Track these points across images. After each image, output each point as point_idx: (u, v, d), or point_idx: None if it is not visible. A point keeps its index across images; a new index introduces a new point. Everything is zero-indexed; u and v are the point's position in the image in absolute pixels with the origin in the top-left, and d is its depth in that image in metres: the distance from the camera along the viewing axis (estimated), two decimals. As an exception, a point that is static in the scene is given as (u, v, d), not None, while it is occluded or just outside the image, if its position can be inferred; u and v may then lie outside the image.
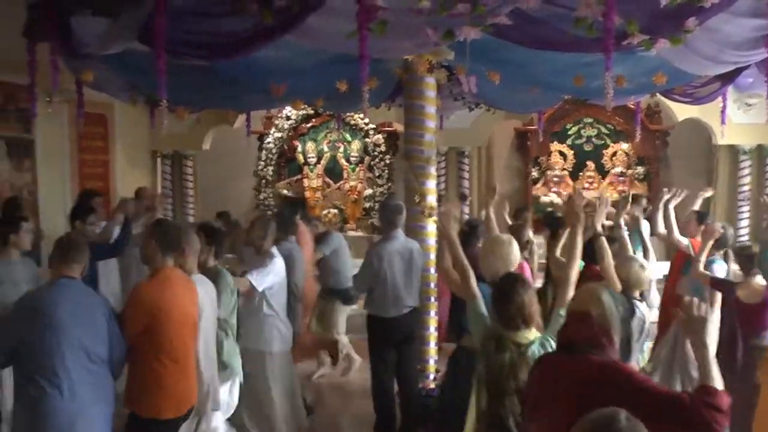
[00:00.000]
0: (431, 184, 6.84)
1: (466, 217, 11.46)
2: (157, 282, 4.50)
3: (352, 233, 11.87)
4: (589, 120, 11.91)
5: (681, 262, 6.99)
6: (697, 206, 7.63)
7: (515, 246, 4.75)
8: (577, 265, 4.19)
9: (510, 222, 7.66)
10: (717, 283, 5.91)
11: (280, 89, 6.24)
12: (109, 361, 4.29)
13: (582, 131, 12.02)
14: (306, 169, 12.50)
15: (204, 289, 4.94)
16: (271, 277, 5.86)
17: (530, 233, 6.90)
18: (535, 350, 3.70)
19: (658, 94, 8.26)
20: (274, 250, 6.09)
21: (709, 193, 8.17)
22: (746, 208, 10.71)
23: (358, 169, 12.41)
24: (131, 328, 4.39)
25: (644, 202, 9.25)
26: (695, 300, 2.94)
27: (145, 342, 4.40)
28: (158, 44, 4.19)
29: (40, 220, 8.36)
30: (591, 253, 4.90)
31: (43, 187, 8.88)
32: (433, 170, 6.88)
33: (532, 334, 3.78)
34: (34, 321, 4.06)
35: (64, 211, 9.16)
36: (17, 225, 5.81)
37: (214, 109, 10.07)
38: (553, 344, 3.73)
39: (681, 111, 10.16)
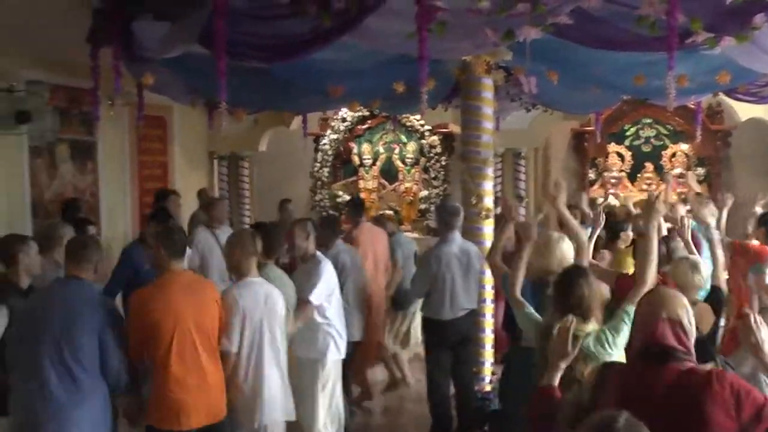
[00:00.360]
0: (488, 186, 6.81)
1: (521, 218, 11.38)
2: (153, 288, 4.43)
3: (407, 235, 11.85)
4: (648, 120, 11.68)
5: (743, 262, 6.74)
6: (758, 208, 7.43)
7: (567, 243, 4.72)
8: (654, 264, 4.07)
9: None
10: None
11: (338, 90, 6.27)
12: (102, 371, 4.20)
13: (640, 132, 11.80)
14: (361, 170, 12.53)
15: (264, 291, 4.83)
16: (321, 285, 5.64)
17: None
18: (590, 343, 3.70)
19: (720, 94, 8.08)
20: (320, 255, 5.92)
21: None
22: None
23: (413, 170, 12.38)
24: (131, 338, 4.31)
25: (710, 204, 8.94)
26: (752, 317, 2.83)
27: (147, 351, 4.32)
28: (218, 47, 4.24)
29: (101, 221, 8.53)
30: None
31: (104, 188, 9.06)
32: (490, 172, 6.86)
33: (590, 326, 3.78)
34: (24, 316, 4.21)
35: (125, 212, 9.37)
36: (83, 227, 6.13)
37: (271, 110, 10.14)
38: (611, 339, 3.75)
39: (744, 110, 9.91)
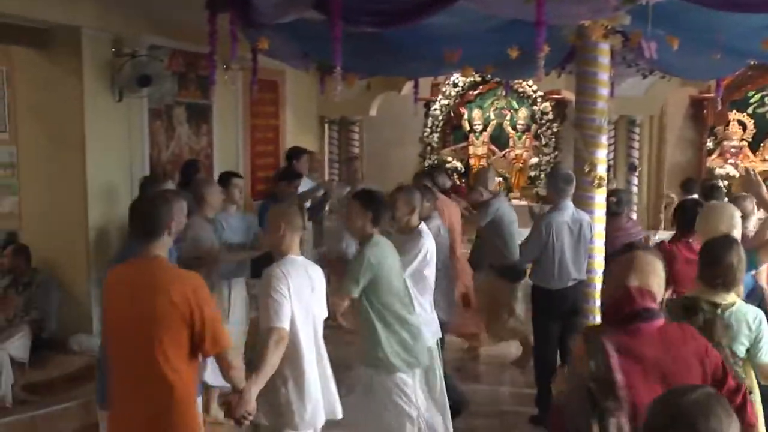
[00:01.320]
0: (601, 154, 6.67)
1: (634, 188, 11.13)
2: (114, 271, 3.86)
3: (516, 202, 11.79)
4: (775, 87, 11.18)
5: None
6: None
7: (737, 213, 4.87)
8: None
9: None
10: None
11: (455, 55, 6.22)
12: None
13: (766, 99, 11.30)
14: (472, 136, 12.47)
15: (307, 273, 4.29)
16: (417, 260, 5.26)
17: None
18: (729, 315, 3.73)
19: None
20: (423, 226, 5.50)
21: None
22: None
23: (524, 137, 12.26)
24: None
25: None
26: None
27: None
28: (334, 12, 4.29)
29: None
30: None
31: (218, 150, 9.33)
32: (604, 139, 6.70)
33: (731, 297, 3.80)
34: None
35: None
36: (229, 181, 6.73)
37: (384, 75, 10.20)
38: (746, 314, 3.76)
39: None
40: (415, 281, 5.26)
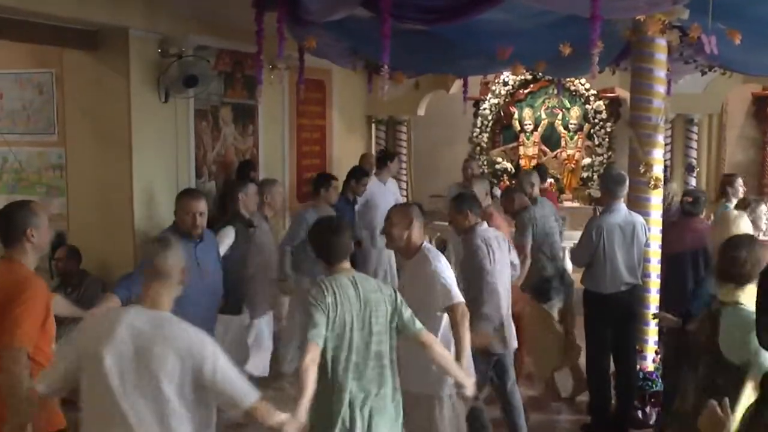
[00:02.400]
0: (658, 154, 6.58)
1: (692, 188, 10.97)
2: None
3: (568, 204, 11.71)
4: (844, 83, 10.92)
5: None
6: None
7: (745, 221, 4.84)
8: None
9: None
10: None
11: (506, 52, 6.20)
12: None
13: (833, 95, 11.06)
14: (522, 136, 12.41)
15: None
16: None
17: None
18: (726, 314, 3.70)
19: None
20: (428, 244, 4.92)
21: None
22: None
23: (576, 137, 12.15)
24: None
25: None
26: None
27: None
28: (384, 8, 4.30)
29: (259, 183, 8.86)
30: None
31: (263, 151, 9.40)
32: (660, 139, 6.62)
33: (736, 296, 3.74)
34: None
35: (283, 174, 9.72)
36: (329, 182, 7.31)
37: (432, 73, 10.20)
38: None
39: None
40: None
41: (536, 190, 7.46)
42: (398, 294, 4.05)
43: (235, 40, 8.12)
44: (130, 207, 7.38)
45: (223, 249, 5.85)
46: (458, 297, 4.44)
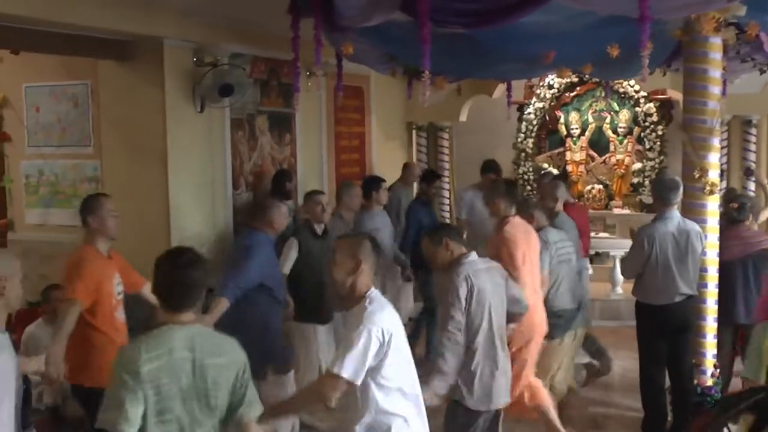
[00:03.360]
0: (713, 158, 6.47)
1: (751, 193, 10.78)
2: None
3: (618, 211, 11.58)
4: None
5: None
6: None
7: None
8: None
9: None
10: None
11: (550, 56, 6.15)
12: None
13: None
14: (569, 141, 12.28)
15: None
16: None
17: None
18: None
19: None
20: (374, 293, 4.19)
21: None
22: None
23: (626, 141, 12.00)
24: None
25: None
26: None
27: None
28: (423, 12, 4.28)
29: (297, 193, 8.90)
30: None
31: (301, 160, 9.43)
32: (715, 142, 6.50)
33: None
34: None
35: (321, 184, 9.73)
36: (378, 184, 7.95)
37: (474, 78, 10.17)
38: None
39: None
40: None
41: (560, 205, 7.21)
42: (247, 366, 3.37)
43: (270, 47, 8.17)
44: (166, 219, 7.46)
45: (289, 261, 6.55)
46: (336, 367, 3.61)
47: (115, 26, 6.84)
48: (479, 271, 4.77)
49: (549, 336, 6.18)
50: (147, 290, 5.07)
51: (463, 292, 4.65)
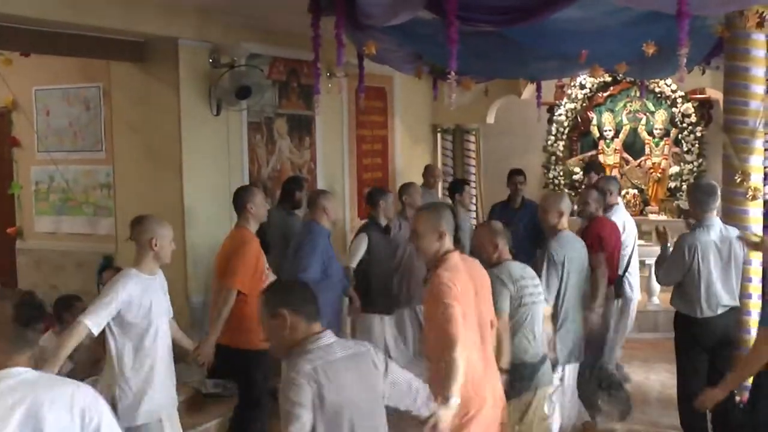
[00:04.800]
0: (756, 161, 6.41)
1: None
2: None
3: (653, 217, 11.50)
4: None
5: None
6: None
7: None
8: None
9: None
10: None
11: (583, 54, 6.13)
12: None
13: None
14: (602, 143, 12.23)
15: None
16: None
17: None
18: None
19: None
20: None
21: None
22: None
23: (662, 143, 11.93)
24: None
25: None
26: None
27: None
28: (450, 10, 4.26)
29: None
30: None
31: (321, 165, 9.44)
32: (758, 144, 6.45)
33: None
34: None
35: (343, 189, 9.75)
36: (462, 188, 8.74)
37: (503, 78, 10.15)
38: None
39: None
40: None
41: (564, 222, 6.29)
42: None
43: (289, 47, 8.20)
44: (181, 226, 7.47)
45: (357, 256, 7.26)
46: None
47: (129, 26, 6.88)
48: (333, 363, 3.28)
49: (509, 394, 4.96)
50: None
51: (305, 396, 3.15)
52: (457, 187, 9.06)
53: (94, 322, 4.56)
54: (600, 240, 6.88)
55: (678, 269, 6.20)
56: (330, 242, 6.84)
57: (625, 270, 7.83)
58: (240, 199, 6.20)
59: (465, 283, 4.24)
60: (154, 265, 4.96)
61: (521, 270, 5.26)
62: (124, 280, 4.73)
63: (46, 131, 8.84)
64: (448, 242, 4.34)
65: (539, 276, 5.69)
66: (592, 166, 9.73)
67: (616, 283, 7.46)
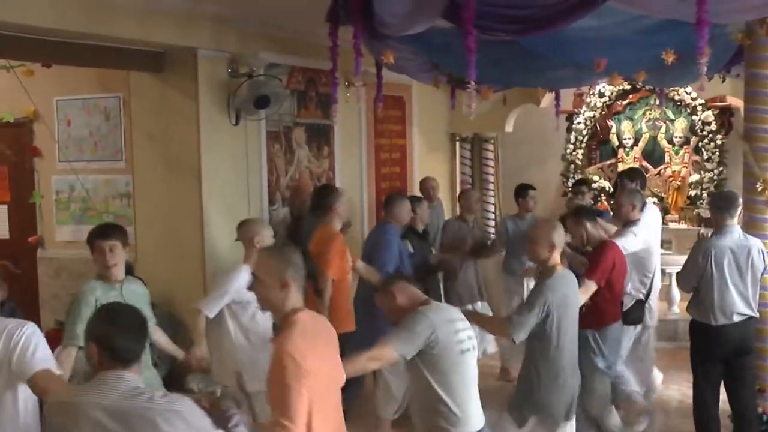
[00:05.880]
0: (777, 170, 6.40)
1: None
2: None
3: (674, 225, 11.44)
4: None
5: None
6: None
7: None
8: None
9: None
10: None
11: (601, 62, 6.13)
12: None
13: None
14: (621, 152, 12.18)
15: None
16: None
17: None
18: None
19: None
20: None
21: None
22: None
23: (682, 151, 11.87)
24: None
25: None
26: None
27: None
28: (467, 19, 4.28)
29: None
30: None
31: (340, 174, 9.45)
32: (779, 153, 6.44)
33: None
34: None
35: (361, 198, 9.76)
36: (526, 192, 8.88)
37: (521, 87, 10.15)
38: None
39: None
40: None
41: (556, 256, 5.26)
42: None
43: (307, 56, 8.23)
44: (200, 236, 7.52)
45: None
46: None
47: (148, 37, 6.93)
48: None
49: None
50: None
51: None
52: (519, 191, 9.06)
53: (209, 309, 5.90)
54: (612, 268, 6.11)
55: (694, 273, 6.20)
56: (402, 242, 7.51)
57: (647, 296, 7.25)
58: (325, 200, 7.01)
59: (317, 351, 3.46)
60: None
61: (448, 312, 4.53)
62: (236, 273, 5.87)
63: (66, 141, 8.91)
64: (295, 296, 3.52)
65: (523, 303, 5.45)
66: (634, 175, 8.69)
67: (634, 309, 7.01)
